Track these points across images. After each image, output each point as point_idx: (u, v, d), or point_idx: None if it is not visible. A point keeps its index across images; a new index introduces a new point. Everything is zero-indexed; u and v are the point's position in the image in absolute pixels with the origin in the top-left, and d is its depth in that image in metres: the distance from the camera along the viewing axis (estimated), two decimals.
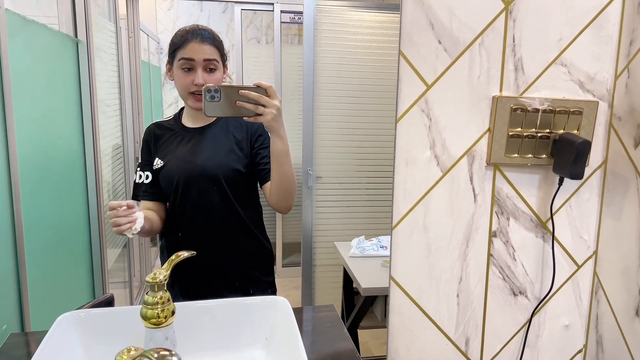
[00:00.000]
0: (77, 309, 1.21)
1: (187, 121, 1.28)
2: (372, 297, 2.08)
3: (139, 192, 1.30)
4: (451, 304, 0.86)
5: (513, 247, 0.86)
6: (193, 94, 1.20)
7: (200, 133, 1.27)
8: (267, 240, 1.38)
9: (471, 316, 0.87)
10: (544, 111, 0.81)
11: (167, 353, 0.67)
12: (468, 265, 0.85)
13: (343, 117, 2.39)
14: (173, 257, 0.89)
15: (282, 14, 3.19)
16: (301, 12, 2.38)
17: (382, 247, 2.20)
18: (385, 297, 2.02)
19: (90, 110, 2.03)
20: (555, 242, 0.86)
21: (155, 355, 0.66)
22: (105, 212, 2.29)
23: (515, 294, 0.87)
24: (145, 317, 0.84)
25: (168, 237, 1.32)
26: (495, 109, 0.80)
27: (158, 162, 1.26)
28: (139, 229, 1.12)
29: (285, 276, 3.51)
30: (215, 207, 1.25)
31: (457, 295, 0.86)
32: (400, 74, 0.78)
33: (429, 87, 0.79)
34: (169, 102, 4.17)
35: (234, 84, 1.03)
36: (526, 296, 0.88)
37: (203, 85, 1.19)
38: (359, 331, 2.27)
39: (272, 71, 3.43)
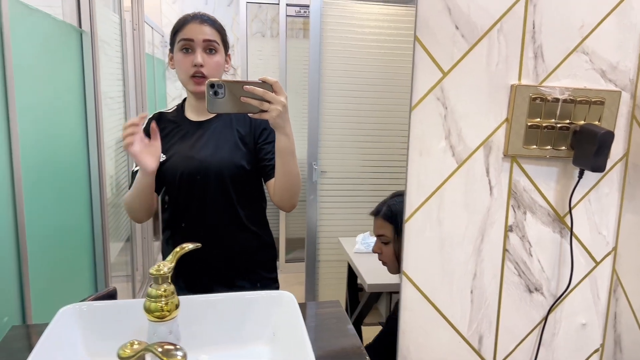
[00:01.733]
0: (80, 301, 1.19)
1: (191, 114, 1.25)
2: (376, 294, 2.05)
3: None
4: (465, 301, 0.83)
5: (529, 242, 0.83)
6: (193, 77, 1.17)
7: (203, 127, 1.23)
8: (270, 236, 1.35)
9: (485, 313, 0.84)
10: (564, 101, 0.78)
11: (171, 347, 0.64)
12: (483, 260, 0.82)
13: (349, 111, 2.36)
14: (178, 249, 0.86)
15: (288, 7, 3.15)
16: (307, 6, 2.34)
17: None
18: (391, 294, 1.99)
19: (94, 101, 2.00)
20: (573, 237, 0.83)
21: (160, 350, 0.64)
22: (109, 204, 2.28)
23: (530, 291, 0.84)
24: (148, 310, 0.82)
25: (170, 231, 1.29)
26: (514, 98, 0.77)
27: (160, 156, 1.23)
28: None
29: (288, 272, 3.49)
30: (218, 203, 1.22)
31: (471, 292, 0.83)
32: (415, 60, 0.75)
33: (445, 74, 0.75)
34: (173, 95, 4.14)
35: (239, 79, 0.98)
36: (542, 293, 0.85)
37: (202, 65, 1.17)
38: (363, 327, 2.24)
39: (277, 65, 3.39)
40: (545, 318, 0.85)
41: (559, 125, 0.78)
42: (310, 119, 2.32)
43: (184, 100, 1.30)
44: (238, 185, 1.23)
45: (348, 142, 2.38)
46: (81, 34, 1.87)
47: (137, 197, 1.18)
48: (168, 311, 0.82)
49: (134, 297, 3.01)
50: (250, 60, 3.47)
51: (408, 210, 0.78)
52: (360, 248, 2.12)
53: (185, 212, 1.23)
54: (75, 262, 1.84)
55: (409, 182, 0.78)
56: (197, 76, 1.16)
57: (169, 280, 0.84)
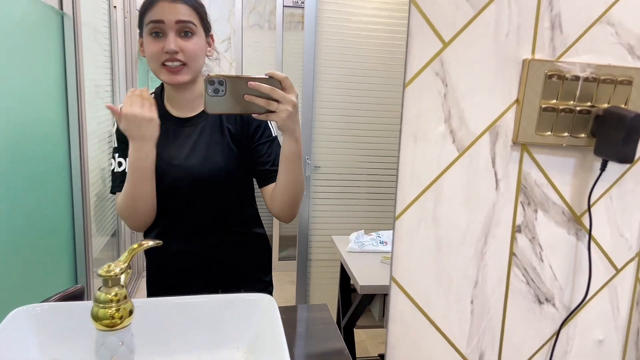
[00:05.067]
0: (42, 301, 1.09)
1: (172, 107, 1.09)
2: (369, 296, 1.96)
3: (122, 184, 1.07)
4: (464, 312, 0.71)
5: (540, 246, 0.71)
6: (165, 65, 1.00)
7: (189, 126, 1.08)
8: (265, 238, 1.24)
9: (487, 327, 0.72)
10: (586, 79, 0.66)
11: None
12: (486, 265, 0.70)
13: (345, 103, 2.26)
14: (135, 245, 0.76)
15: None
16: None
17: (382, 242, 2.07)
18: (384, 296, 1.89)
19: (76, 87, 1.89)
20: (591, 240, 0.71)
21: None
22: (92, 197, 2.17)
23: (540, 302, 0.73)
24: (96, 318, 0.71)
25: (153, 237, 1.18)
26: (526, 76, 0.65)
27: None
28: None
29: (281, 270, 3.38)
30: (207, 212, 1.10)
31: (471, 302, 0.71)
32: (410, 27, 0.63)
33: (445, 45, 0.64)
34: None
35: (242, 75, 0.85)
36: (553, 304, 0.73)
37: (176, 52, 0.99)
38: (356, 330, 2.15)
39: (273, 58, 3.28)
40: (557, 333, 0.73)
41: (578, 108, 0.66)
42: (304, 112, 2.22)
43: (162, 87, 1.13)
44: (232, 192, 1.10)
45: (343, 136, 2.29)
46: (62, 17, 1.75)
47: (136, 191, 1.01)
48: (119, 318, 0.71)
49: None
50: (245, 52, 3.35)
51: (399, 205, 0.67)
52: (354, 247, 2.03)
53: (170, 220, 1.10)
54: (52, 258, 1.74)
55: (401, 172, 0.66)
56: (171, 64, 1.00)
57: (121, 283, 0.74)
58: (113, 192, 1.10)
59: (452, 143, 0.66)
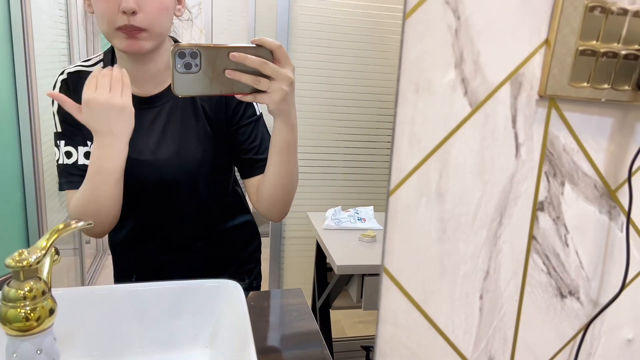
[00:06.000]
0: None
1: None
2: (347, 276, 1.85)
3: (78, 179, 0.84)
4: (471, 310, 0.57)
5: (566, 227, 0.57)
6: (122, 29, 0.77)
7: (152, 106, 0.87)
8: (253, 225, 1.08)
9: (498, 327, 0.58)
10: (636, 14, 0.51)
11: None
12: (500, 252, 0.56)
13: (321, 71, 2.10)
14: (60, 225, 0.61)
15: None
16: None
17: (360, 219, 1.96)
18: (363, 277, 1.78)
19: (24, 45, 1.67)
20: (629, 221, 0.58)
21: None
22: (45, 170, 1.97)
23: (562, 295, 0.59)
24: (4, 320, 0.55)
25: (117, 237, 1.01)
26: (560, 7, 0.50)
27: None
28: None
29: None
30: (182, 211, 0.93)
31: (480, 297, 0.57)
32: None
33: None
34: None
35: (221, 44, 0.63)
36: (578, 298, 0.60)
37: (133, 11, 0.75)
38: (332, 311, 2.04)
39: (245, 26, 3.06)
40: (584, 332, 0.60)
41: (624, 52, 0.52)
42: None
43: (113, 53, 0.90)
44: (211, 186, 0.92)
45: (319, 106, 2.13)
46: None
47: (98, 196, 0.79)
48: (36, 320, 0.56)
49: (82, 274, 2.71)
50: (216, 20, 3.12)
51: (395, 177, 0.51)
52: (331, 224, 1.91)
53: (140, 224, 0.94)
54: (0, 234, 1.56)
55: (398, 134, 0.50)
56: (128, 28, 0.77)
57: (39, 275, 0.58)
58: (62, 189, 0.88)
59: (463, 96, 0.51)
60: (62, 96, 0.75)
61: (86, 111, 0.73)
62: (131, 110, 0.75)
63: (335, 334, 2.24)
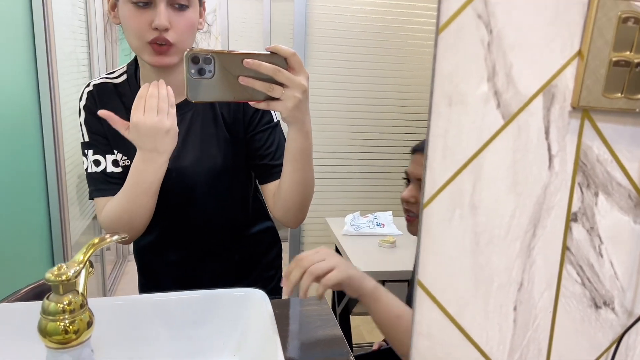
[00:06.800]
0: (13, 293, 0.98)
1: None
2: None
3: (107, 186, 0.88)
4: (505, 321, 0.57)
5: (600, 238, 0.57)
6: (153, 43, 0.81)
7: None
8: (274, 231, 1.09)
9: (532, 338, 0.58)
10: None
11: None
12: (534, 263, 0.56)
13: (339, 77, 2.11)
14: (96, 240, 0.62)
15: None
16: None
17: (379, 224, 1.95)
18: (383, 282, 1.77)
19: (46, 53, 1.71)
20: None
21: None
22: (71, 177, 2.00)
23: (597, 306, 0.59)
24: (44, 333, 0.57)
25: (146, 250, 1.03)
26: (593, 19, 0.50)
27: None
28: None
29: None
30: (204, 217, 0.95)
31: (514, 308, 0.57)
32: None
33: None
34: None
35: (235, 50, 0.64)
36: (612, 308, 0.59)
37: (167, 29, 0.79)
38: (352, 317, 2.04)
39: (261, 32, 3.09)
40: (618, 342, 0.60)
41: None
42: None
43: (136, 63, 0.94)
44: (232, 191, 0.94)
45: (337, 112, 2.14)
46: None
47: (134, 206, 0.82)
48: (74, 333, 0.57)
49: (103, 281, 2.74)
50: (232, 27, 3.15)
51: (428, 189, 0.52)
52: (350, 230, 1.91)
53: (165, 230, 0.96)
54: (27, 242, 1.59)
55: (431, 147, 0.51)
56: (160, 44, 0.81)
57: (78, 289, 0.59)
58: (92, 197, 0.92)
59: (496, 108, 0.51)
60: (112, 115, 0.78)
61: (134, 132, 0.76)
62: (176, 130, 0.78)
63: (355, 339, 2.24)
